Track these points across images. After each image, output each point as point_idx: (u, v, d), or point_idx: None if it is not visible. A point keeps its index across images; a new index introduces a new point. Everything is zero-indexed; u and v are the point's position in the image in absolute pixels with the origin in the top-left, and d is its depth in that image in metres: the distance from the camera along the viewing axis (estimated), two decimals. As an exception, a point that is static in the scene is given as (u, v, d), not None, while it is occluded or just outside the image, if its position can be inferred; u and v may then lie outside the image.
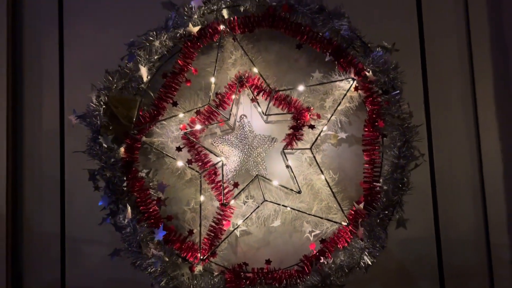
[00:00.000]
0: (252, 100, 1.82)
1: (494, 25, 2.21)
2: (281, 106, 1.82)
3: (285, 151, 1.79)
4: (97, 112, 1.71)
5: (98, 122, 1.70)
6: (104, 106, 1.71)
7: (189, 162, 1.79)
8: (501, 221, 2.14)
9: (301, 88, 1.81)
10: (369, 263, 1.70)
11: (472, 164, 2.18)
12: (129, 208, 1.68)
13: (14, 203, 2.18)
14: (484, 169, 2.16)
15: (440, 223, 2.11)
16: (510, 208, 2.15)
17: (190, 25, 1.76)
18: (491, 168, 2.16)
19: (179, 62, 1.82)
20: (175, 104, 1.82)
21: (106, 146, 1.68)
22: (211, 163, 1.80)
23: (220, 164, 1.78)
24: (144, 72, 1.75)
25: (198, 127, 1.79)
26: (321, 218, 1.79)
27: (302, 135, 1.79)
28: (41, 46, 2.26)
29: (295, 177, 1.78)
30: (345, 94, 1.78)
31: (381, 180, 1.75)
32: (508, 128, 2.17)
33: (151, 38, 1.76)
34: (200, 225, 1.77)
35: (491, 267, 2.13)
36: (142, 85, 1.78)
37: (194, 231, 1.80)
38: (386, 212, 1.71)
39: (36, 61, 2.25)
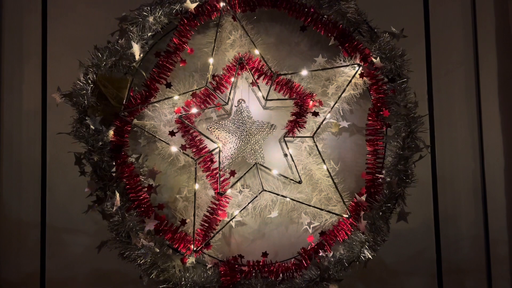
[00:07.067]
0: (252, 83, 1.73)
1: (501, 17, 2.17)
2: (282, 91, 1.73)
3: (285, 138, 1.71)
4: (84, 91, 1.59)
5: (86, 102, 1.59)
6: (92, 85, 1.61)
7: (183, 147, 1.69)
8: (501, 217, 2.13)
9: (304, 72, 1.72)
10: (370, 257, 1.64)
11: (473, 158, 2.15)
12: (117, 195, 1.58)
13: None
14: (485, 164, 2.13)
15: (440, 217, 2.07)
16: (510, 204, 2.13)
17: (188, 1, 1.65)
18: (492, 163, 2.13)
19: (174, 40, 1.71)
20: (168, 85, 1.72)
21: (93, 128, 1.58)
22: (206, 149, 1.70)
23: (217, 150, 1.69)
24: (136, 49, 1.63)
25: (194, 110, 1.68)
26: (321, 209, 1.72)
27: (305, 122, 1.71)
28: (23, 19, 2.13)
29: (295, 166, 1.70)
30: (350, 81, 1.70)
31: (384, 172, 1.69)
32: (511, 123, 2.14)
33: (144, 13, 1.65)
34: (194, 215, 1.67)
35: (489, 263, 2.12)
36: (134, 64, 1.67)
37: (187, 221, 1.71)
38: (389, 204, 1.66)
39: (17, 35, 2.12)
